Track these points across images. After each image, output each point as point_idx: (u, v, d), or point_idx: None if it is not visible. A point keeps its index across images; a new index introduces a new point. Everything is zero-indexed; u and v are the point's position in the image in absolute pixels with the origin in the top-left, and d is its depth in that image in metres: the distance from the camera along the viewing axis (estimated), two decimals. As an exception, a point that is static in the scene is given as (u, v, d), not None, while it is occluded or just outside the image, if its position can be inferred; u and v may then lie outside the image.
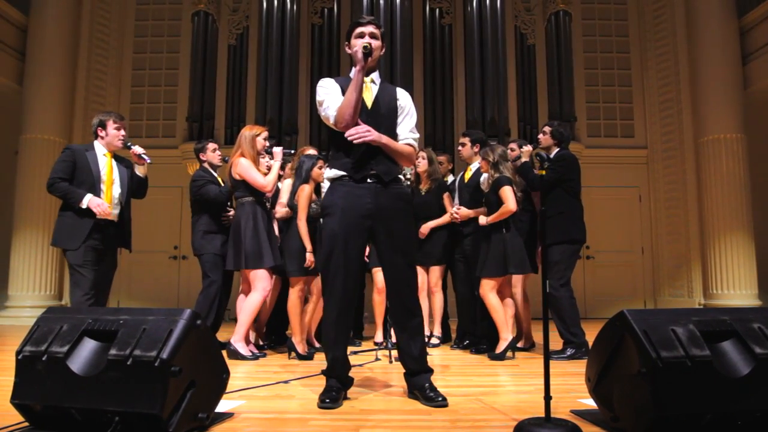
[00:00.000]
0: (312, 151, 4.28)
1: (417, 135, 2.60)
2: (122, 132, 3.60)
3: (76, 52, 7.78)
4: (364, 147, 2.40)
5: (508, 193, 3.84)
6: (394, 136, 2.50)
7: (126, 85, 8.52)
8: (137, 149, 3.64)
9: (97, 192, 3.44)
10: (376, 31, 2.50)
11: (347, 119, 2.37)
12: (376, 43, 2.48)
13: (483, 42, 7.91)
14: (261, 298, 3.76)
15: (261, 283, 3.75)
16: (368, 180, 2.43)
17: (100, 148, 3.58)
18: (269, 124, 7.46)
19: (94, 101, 8.04)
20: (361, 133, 2.34)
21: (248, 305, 3.76)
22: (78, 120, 7.76)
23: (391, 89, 2.58)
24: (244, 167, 3.81)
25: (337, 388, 2.40)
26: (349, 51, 2.52)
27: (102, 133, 3.58)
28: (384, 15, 7.81)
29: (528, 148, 4.16)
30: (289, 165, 4.32)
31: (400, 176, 2.59)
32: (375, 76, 2.55)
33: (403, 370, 2.54)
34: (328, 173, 2.52)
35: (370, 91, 2.51)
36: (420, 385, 2.43)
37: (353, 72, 2.42)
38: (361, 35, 2.48)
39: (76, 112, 7.76)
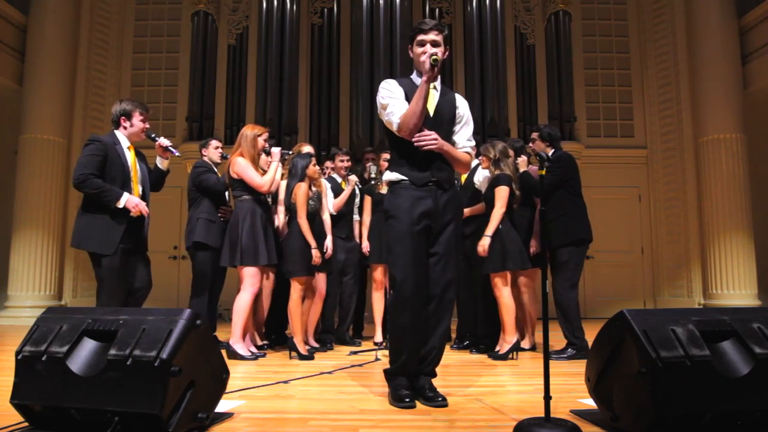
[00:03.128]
0: (308, 148, 4.28)
1: (473, 143, 2.64)
2: (146, 125, 3.39)
3: (75, 52, 7.78)
4: (425, 152, 2.42)
5: (502, 194, 3.83)
6: (451, 142, 2.54)
7: (126, 85, 8.51)
8: (164, 141, 3.43)
9: (129, 190, 3.20)
10: (437, 37, 2.45)
11: (411, 128, 2.39)
12: (440, 51, 2.44)
13: (483, 42, 7.92)
14: (250, 296, 3.75)
15: (249, 280, 3.74)
16: (429, 184, 2.46)
17: (123, 140, 3.31)
18: (269, 124, 7.46)
19: (93, 101, 8.05)
20: (428, 140, 2.37)
21: (238, 305, 3.76)
22: (77, 120, 7.77)
23: (451, 96, 2.60)
24: (241, 166, 3.81)
25: (407, 385, 2.40)
26: (411, 55, 2.53)
27: (126, 124, 3.31)
28: (384, 15, 7.82)
29: (523, 158, 4.15)
30: (283, 166, 4.31)
31: (456, 181, 2.63)
32: (437, 83, 2.54)
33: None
34: (388, 176, 2.53)
35: (433, 98, 2.51)
36: (420, 385, 2.43)
37: (414, 75, 2.54)
38: (422, 43, 2.46)
39: (76, 112, 7.77)
